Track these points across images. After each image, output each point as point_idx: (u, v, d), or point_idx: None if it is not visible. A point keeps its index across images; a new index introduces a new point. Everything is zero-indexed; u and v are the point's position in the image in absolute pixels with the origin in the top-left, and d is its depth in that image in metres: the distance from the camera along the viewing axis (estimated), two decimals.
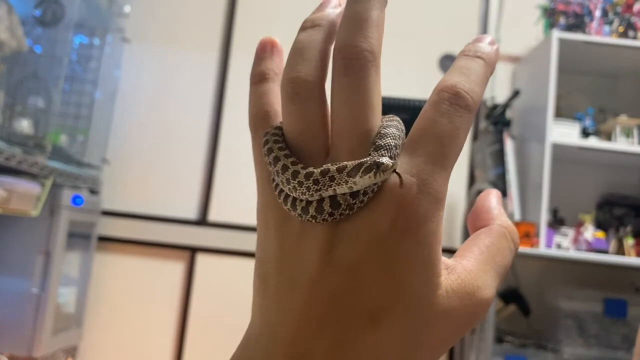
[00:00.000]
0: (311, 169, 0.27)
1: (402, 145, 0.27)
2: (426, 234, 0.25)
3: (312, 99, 0.28)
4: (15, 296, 1.90)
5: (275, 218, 0.28)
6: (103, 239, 2.42)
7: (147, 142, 2.53)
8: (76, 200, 2.05)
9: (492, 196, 0.31)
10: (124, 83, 2.52)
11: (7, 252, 1.90)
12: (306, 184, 0.26)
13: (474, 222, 0.30)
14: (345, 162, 0.26)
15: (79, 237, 2.21)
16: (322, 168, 0.27)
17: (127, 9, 2.46)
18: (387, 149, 0.26)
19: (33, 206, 1.80)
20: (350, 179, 0.26)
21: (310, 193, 0.26)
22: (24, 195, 1.75)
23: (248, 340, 0.27)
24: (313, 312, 0.25)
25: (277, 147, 0.28)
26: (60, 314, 2.08)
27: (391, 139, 0.27)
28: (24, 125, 1.91)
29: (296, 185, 0.27)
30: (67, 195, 1.99)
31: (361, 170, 0.25)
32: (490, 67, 0.30)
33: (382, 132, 0.27)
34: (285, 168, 0.27)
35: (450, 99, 0.27)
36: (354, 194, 0.26)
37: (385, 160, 0.25)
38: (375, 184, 0.26)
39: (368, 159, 0.26)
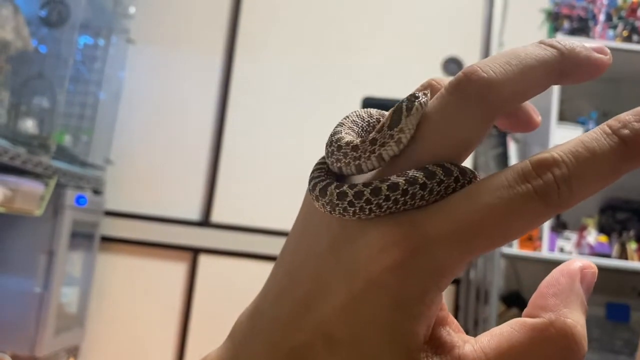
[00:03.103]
0: (352, 139, 0.24)
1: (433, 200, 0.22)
2: (404, 300, 0.21)
3: (476, 106, 0.22)
4: (18, 295, 1.91)
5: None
6: (106, 239, 2.42)
7: (150, 143, 2.54)
8: (80, 200, 2.06)
9: (563, 275, 0.23)
10: (128, 84, 2.53)
11: (10, 251, 1.91)
12: (344, 150, 0.24)
13: (528, 308, 0.23)
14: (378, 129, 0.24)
15: (82, 237, 2.21)
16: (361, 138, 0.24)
17: (131, 10, 2.47)
18: (393, 187, 0.22)
19: (37, 206, 1.80)
20: (394, 130, 0.23)
21: (347, 160, 0.24)
22: (28, 194, 1.76)
23: (253, 305, 0.27)
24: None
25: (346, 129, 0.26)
26: (62, 313, 2.08)
27: (420, 177, 0.22)
28: (29, 125, 1.92)
29: (340, 156, 0.24)
30: (70, 195, 1.99)
31: (403, 114, 0.23)
32: (631, 161, 0.21)
33: (428, 168, 0.22)
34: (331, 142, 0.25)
35: (534, 186, 0.20)
36: (375, 191, 0.22)
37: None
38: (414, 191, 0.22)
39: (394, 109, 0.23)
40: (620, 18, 2.33)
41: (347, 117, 0.26)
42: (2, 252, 1.91)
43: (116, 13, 2.42)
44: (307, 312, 0.23)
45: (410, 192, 0.22)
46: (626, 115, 0.21)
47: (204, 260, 2.46)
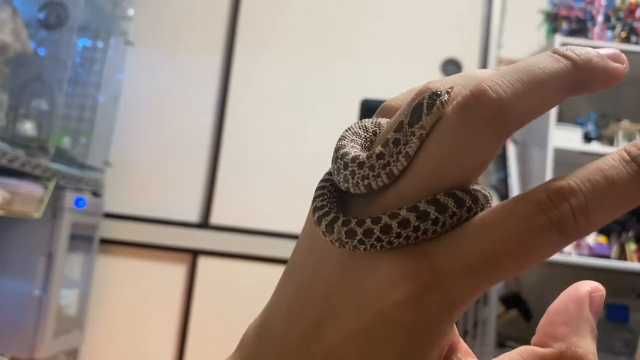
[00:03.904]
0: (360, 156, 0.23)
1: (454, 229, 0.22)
2: (416, 332, 0.21)
3: (488, 129, 0.21)
4: (17, 298, 1.91)
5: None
6: (105, 242, 2.42)
7: (149, 145, 2.54)
8: (78, 202, 2.06)
9: (571, 301, 0.23)
10: (127, 86, 2.52)
11: (9, 254, 1.91)
12: (369, 163, 0.23)
13: (537, 336, 0.23)
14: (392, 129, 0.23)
15: (81, 239, 2.21)
16: (370, 153, 0.23)
17: (130, 12, 2.47)
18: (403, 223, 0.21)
19: (36, 208, 1.80)
20: (415, 127, 0.22)
21: (376, 173, 0.23)
22: (27, 197, 1.75)
23: (258, 325, 0.26)
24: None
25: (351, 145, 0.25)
26: (61, 316, 2.08)
27: (432, 212, 0.21)
28: (28, 128, 1.92)
29: (366, 172, 0.23)
30: (69, 198, 1.99)
31: (423, 112, 0.22)
32: None
33: (439, 200, 0.21)
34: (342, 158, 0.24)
35: (550, 217, 0.20)
36: (386, 229, 0.21)
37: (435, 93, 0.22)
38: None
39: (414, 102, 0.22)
40: (618, 19, 2.33)
41: (344, 137, 0.25)
42: (1, 254, 1.91)
43: (115, 15, 2.42)
44: (316, 337, 0.23)
45: (422, 228, 0.21)
46: (633, 144, 0.21)
47: (203, 262, 2.46)
